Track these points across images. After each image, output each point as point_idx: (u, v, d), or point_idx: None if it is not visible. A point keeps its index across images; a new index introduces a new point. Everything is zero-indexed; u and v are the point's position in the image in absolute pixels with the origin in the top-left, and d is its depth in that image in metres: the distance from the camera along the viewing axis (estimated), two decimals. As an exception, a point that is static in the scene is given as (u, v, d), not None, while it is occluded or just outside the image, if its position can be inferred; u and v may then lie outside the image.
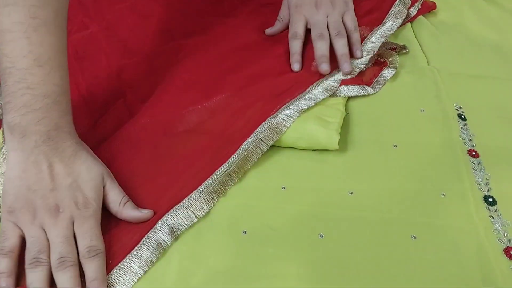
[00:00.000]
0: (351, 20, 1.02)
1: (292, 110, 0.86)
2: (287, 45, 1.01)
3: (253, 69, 0.96)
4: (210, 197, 0.75)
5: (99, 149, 0.80)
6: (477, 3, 1.21)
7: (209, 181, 0.76)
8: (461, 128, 0.89)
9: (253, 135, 0.83)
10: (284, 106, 0.87)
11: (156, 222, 0.71)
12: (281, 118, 0.84)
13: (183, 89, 0.92)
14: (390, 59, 1.03)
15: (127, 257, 0.67)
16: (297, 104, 0.88)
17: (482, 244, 0.70)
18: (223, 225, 0.73)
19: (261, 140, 0.82)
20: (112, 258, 0.67)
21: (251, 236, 0.71)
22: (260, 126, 0.84)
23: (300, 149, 0.85)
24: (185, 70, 0.96)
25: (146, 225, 0.71)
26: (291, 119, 0.85)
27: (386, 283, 0.66)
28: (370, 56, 0.99)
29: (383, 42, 1.03)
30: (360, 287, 0.65)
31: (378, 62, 1.03)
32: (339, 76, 0.95)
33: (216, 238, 0.71)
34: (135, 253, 0.68)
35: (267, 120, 0.84)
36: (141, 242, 0.69)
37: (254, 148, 0.81)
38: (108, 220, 0.71)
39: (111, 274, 0.66)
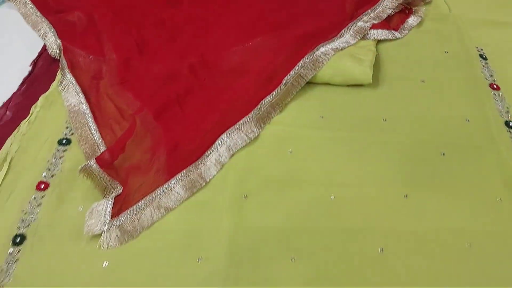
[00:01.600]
0: None
1: (327, 48, 0.94)
2: None
3: (291, 11, 1.04)
4: (258, 123, 0.84)
5: (155, 87, 0.90)
6: None
7: (256, 110, 0.86)
8: (483, 66, 0.97)
9: (293, 71, 0.91)
10: (320, 45, 0.95)
11: (214, 142, 0.81)
12: (318, 55, 0.93)
13: (226, 31, 1.00)
14: (415, 8, 1.11)
15: (189, 167, 0.77)
16: (332, 44, 0.96)
17: (503, 160, 0.79)
18: (272, 146, 0.82)
19: (300, 75, 0.91)
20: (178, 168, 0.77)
21: (295, 154, 0.81)
22: (299, 63, 0.92)
23: (336, 84, 0.93)
24: (228, 12, 1.04)
25: (208, 144, 0.80)
26: (327, 56, 0.93)
27: (416, 190, 0.75)
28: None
29: None
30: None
31: (404, 10, 1.10)
32: (369, 17, 1.02)
33: (266, 155, 0.80)
34: (196, 166, 0.77)
35: (305, 57, 0.93)
36: (202, 157, 0.78)
37: (294, 83, 0.90)
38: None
39: (180, 179, 0.75)
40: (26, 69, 0.98)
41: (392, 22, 1.07)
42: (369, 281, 0.65)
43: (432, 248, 0.68)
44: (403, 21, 1.08)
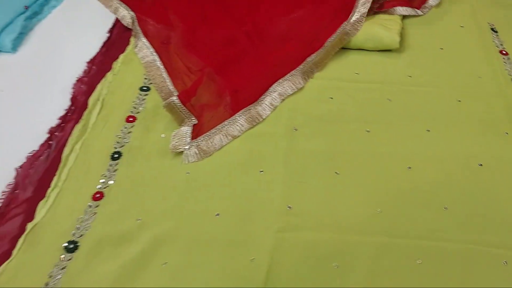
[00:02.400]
0: None
1: (358, 16, 1.11)
2: None
3: None
4: (303, 76, 1.02)
5: (215, 50, 1.08)
6: None
7: (302, 66, 1.03)
8: (494, 37, 1.14)
9: (334, 35, 1.09)
10: (351, 14, 1.12)
11: (268, 89, 0.98)
12: (353, 22, 1.10)
13: (275, 4, 1.18)
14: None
15: (249, 106, 0.94)
16: (360, 10, 1.12)
17: (509, 104, 0.95)
18: (315, 94, 0.99)
19: (340, 39, 1.08)
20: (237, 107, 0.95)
21: (335, 101, 0.98)
22: (339, 29, 1.09)
23: (368, 49, 1.10)
24: None
25: (263, 90, 0.98)
26: (360, 23, 1.10)
27: (438, 126, 0.91)
28: None
29: None
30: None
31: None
32: None
33: (310, 101, 0.97)
34: (255, 106, 0.95)
35: (343, 24, 1.10)
36: (258, 100, 0.96)
37: (334, 45, 1.07)
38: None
39: (242, 114, 0.93)
40: (104, 36, 1.17)
41: (415, 1, 1.25)
42: (398, 188, 0.81)
43: (451, 167, 0.84)
44: (424, 1, 1.25)
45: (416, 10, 1.21)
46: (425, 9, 1.24)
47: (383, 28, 1.11)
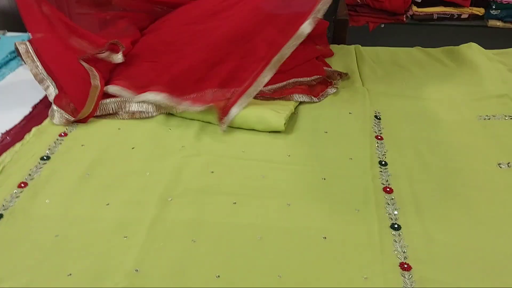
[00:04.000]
0: None
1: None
2: None
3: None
4: None
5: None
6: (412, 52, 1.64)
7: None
8: (375, 123, 1.26)
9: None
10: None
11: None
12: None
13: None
14: (334, 81, 1.43)
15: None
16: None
17: (367, 184, 1.05)
18: (198, 168, 1.10)
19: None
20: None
21: (215, 175, 1.07)
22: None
23: (259, 130, 1.22)
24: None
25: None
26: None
27: (299, 200, 1.00)
28: None
29: (331, 69, 1.44)
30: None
31: (325, 81, 1.42)
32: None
33: (192, 174, 1.08)
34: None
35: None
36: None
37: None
38: None
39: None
40: (28, 109, 1.31)
41: (314, 90, 1.39)
42: (244, 256, 0.89)
43: (296, 238, 0.92)
44: (323, 90, 1.39)
45: (313, 97, 1.35)
46: (322, 97, 1.38)
47: (273, 113, 1.23)
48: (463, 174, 1.08)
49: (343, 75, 1.46)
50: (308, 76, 1.41)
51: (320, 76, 1.42)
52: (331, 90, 1.40)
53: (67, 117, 1.24)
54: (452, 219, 0.96)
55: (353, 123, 1.27)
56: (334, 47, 1.64)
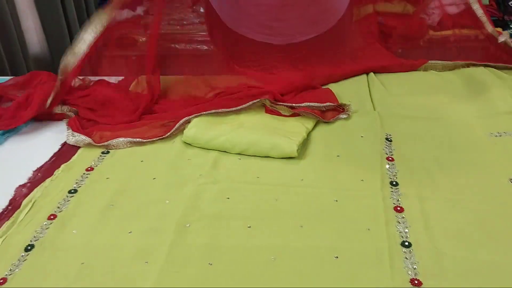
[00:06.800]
0: None
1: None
2: None
3: None
4: None
5: None
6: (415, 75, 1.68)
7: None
8: (386, 145, 1.29)
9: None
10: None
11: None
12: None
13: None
14: (346, 107, 1.47)
15: None
16: None
17: (378, 204, 1.07)
18: (214, 195, 1.15)
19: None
20: None
21: (230, 200, 1.13)
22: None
23: (272, 157, 1.27)
24: None
25: None
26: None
27: (312, 221, 1.04)
28: None
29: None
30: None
31: (337, 108, 1.47)
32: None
33: (209, 200, 1.13)
34: None
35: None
36: None
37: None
38: None
39: None
40: (57, 147, 1.40)
41: (327, 116, 1.44)
42: (261, 276, 0.92)
43: (310, 258, 0.95)
44: (335, 116, 1.44)
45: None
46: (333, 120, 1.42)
47: (286, 139, 1.29)
48: (474, 189, 1.10)
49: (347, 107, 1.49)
50: (321, 102, 1.46)
51: (333, 104, 1.46)
52: (343, 115, 1.45)
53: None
54: (463, 234, 0.98)
55: (365, 146, 1.31)
56: (346, 75, 1.70)
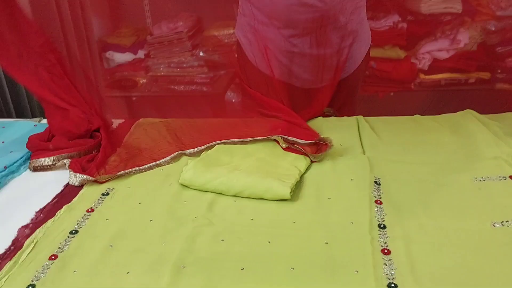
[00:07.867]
0: None
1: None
2: None
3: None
4: None
5: None
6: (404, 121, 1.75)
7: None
8: (374, 189, 1.35)
9: None
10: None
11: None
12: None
13: None
14: (329, 143, 1.53)
15: None
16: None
17: (367, 248, 1.12)
18: (209, 237, 1.20)
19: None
20: None
21: (225, 243, 1.17)
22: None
23: (266, 199, 1.33)
24: None
25: None
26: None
27: (303, 264, 1.08)
28: None
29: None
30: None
31: (321, 144, 1.53)
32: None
33: (204, 242, 1.17)
34: None
35: None
36: None
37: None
38: None
39: None
40: (60, 188, 1.46)
41: (312, 150, 1.51)
42: None
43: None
44: (320, 152, 1.51)
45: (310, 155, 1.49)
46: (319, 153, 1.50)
47: (279, 182, 1.34)
48: (458, 233, 1.15)
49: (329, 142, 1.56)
50: (305, 140, 1.53)
51: (315, 140, 1.54)
52: (328, 150, 1.51)
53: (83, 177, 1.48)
54: (448, 277, 1.02)
55: (354, 189, 1.36)
56: (336, 120, 1.78)
